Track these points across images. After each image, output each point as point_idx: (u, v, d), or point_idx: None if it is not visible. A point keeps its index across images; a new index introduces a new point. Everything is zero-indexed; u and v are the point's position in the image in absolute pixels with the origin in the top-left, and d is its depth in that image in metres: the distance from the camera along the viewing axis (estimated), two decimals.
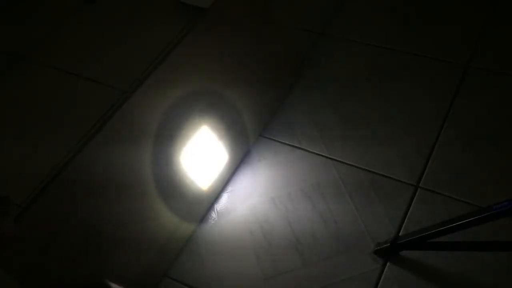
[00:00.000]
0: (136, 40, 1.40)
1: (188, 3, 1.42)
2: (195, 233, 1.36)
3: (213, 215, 1.39)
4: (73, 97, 1.32)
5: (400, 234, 1.28)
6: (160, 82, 1.20)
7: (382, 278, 1.22)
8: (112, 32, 1.46)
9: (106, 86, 1.32)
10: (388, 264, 1.24)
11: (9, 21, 1.57)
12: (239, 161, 1.48)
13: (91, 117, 1.13)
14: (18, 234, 0.97)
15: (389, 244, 1.21)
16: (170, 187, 1.28)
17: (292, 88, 1.64)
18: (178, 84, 1.26)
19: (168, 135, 1.24)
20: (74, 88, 1.34)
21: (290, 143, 1.51)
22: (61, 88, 1.35)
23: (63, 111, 1.28)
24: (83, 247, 1.09)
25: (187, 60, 1.27)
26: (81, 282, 1.08)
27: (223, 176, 1.43)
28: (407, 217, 1.31)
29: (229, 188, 1.44)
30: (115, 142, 1.13)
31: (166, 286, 1.28)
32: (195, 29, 1.27)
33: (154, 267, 1.28)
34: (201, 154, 1.35)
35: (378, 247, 1.24)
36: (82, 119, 1.20)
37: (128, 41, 1.41)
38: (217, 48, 1.36)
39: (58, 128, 1.24)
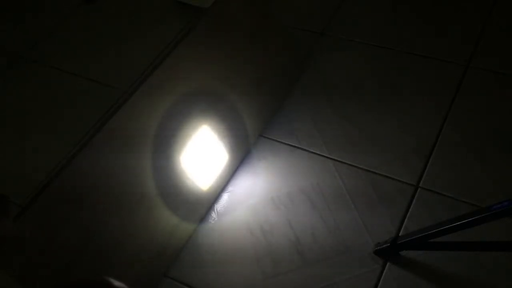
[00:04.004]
0: (136, 40, 1.40)
1: (188, 3, 1.42)
2: (195, 233, 1.36)
3: (213, 215, 1.39)
4: (73, 97, 1.31)
5: (400, 234, 1.28)
6: (160, 82, 1.20)
7: (382, 278, 1.22)
8: (112, 32, 1.45)
9: (106, 86, 1.32)
10: (388, 264, 1.24)
11: (9, 21, 1.57)
12: (239, 161, 1.48)
13: (91, 117, 1.13)
14: (18, 233, 0.97)
15: (389, 244, 1.21)
16: (170, 187, 1.28)
17: (292, 88, 1.64)
18: (178, 84, 1.26)
19: (168, 135, 1.24)
20: (74, 88, 1.34)
21: (290, 143, 1.51)
22: (61, 88, 1.34)
23: (63, 111, 1.28)
24: (83, 247, 1.10)
25: (187, 60, 1.28)
26: (82, 280, 1.08)
27: (223, 176, 1.43)
28: (407, 217, 1.31)
29: (229, 188, 1.44)
30: (115, 142, 1.13)
31: (166, 286, 1.28)
32: (195, 29, 1.27)
33: (154, 267, 1.28)
34: (201, 154, 1.35)
35: (378, 247, 1.24)
36: (82, 119, 1.19)
37: (128, 41, 1.40)
38: (217, 48, 1.36)
39: (58, 127, 1.24)
